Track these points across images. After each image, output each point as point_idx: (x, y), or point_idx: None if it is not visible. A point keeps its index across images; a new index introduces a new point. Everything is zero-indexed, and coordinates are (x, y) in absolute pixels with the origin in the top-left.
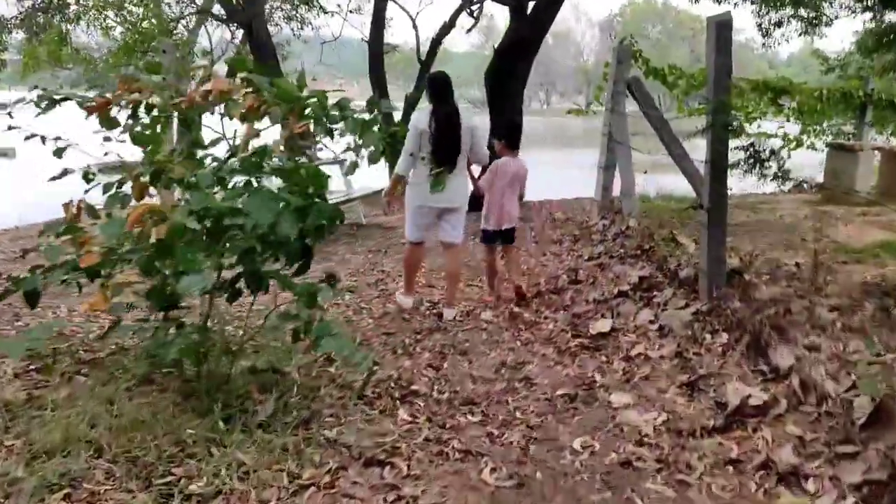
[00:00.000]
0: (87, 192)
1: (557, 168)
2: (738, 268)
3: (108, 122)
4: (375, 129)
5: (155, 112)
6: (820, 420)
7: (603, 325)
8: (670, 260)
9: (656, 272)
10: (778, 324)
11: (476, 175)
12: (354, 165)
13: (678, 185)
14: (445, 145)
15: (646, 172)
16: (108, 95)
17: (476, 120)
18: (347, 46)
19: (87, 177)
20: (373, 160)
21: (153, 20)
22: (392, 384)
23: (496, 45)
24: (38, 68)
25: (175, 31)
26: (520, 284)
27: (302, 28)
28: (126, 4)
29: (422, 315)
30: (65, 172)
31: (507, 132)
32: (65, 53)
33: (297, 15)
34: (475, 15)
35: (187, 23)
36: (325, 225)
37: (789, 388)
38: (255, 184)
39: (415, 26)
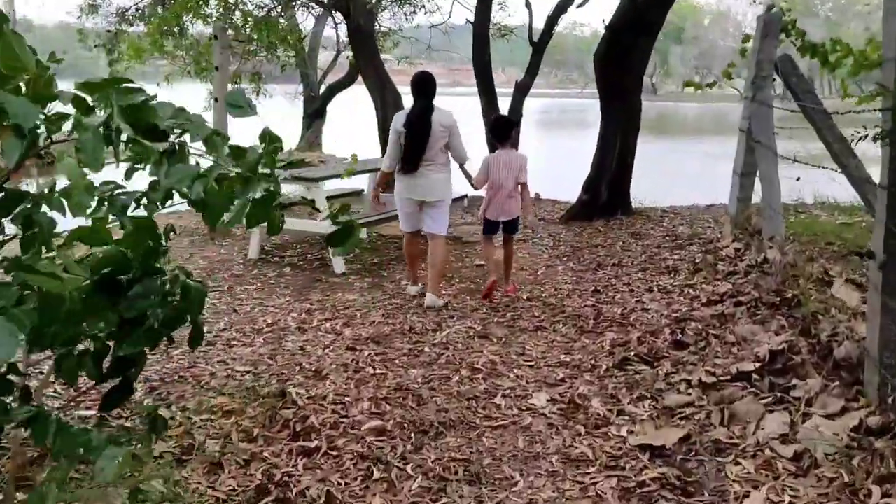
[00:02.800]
0: None
1: (708, 160)
2: None
3: None
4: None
5: None
6: None
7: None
8: (821, 323)
9: (799, 341)
10: None
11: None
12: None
13: (842, 187)
14: (415, 140)
15: (798, 179)
16: None
17: (453, 119)
18: (466, 31)
19: None
20: (210, 216)
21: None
22: None
23: (607, 21)
24: (139, 58)
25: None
26: (510, 282)
27: (414, 12)
28: None
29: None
30: None
31: (493, 127)
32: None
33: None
34: None
35: (281, 11)
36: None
37: None
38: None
39: (528, 4)
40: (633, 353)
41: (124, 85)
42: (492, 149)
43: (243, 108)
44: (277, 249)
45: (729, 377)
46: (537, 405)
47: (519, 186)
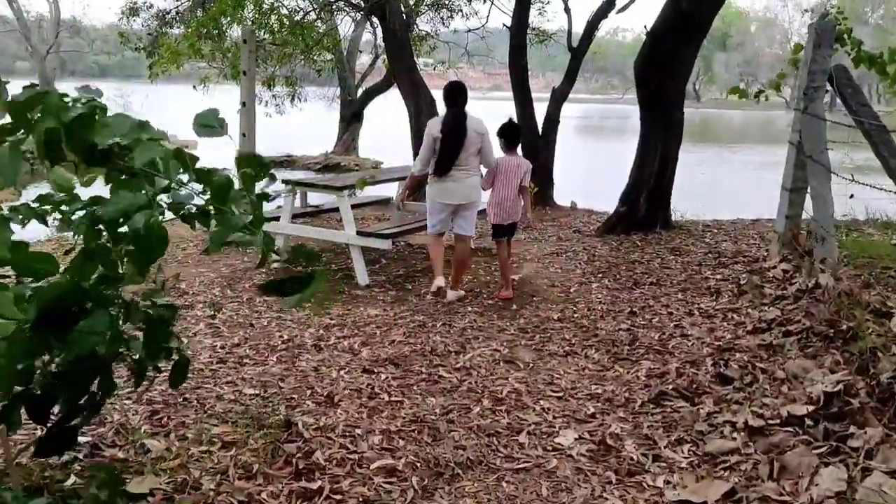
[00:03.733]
0: None
1: (753, 170)
2: None
3: None
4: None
5: None
6: None
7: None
8: (881, 361)
9: (857, 381)
10: None
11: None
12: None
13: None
14: (451, 146)
15: (852, 197)
16: None
17: (486, 127)
18: (505, 35)
19: None
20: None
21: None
22: None
23: (649, 27)
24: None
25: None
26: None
27: (451, 17)
28: None
29: None
30: None
31: (507, 132)
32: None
33: (446, 1)
34: None
35: (319, 13)
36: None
37: None
38: None
39: (567, 9)
40: (671, 387)
41: (65, 99)
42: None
43: (214, 128)
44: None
45: (779, 421)
46: (564, 445)
47: (520, 190)
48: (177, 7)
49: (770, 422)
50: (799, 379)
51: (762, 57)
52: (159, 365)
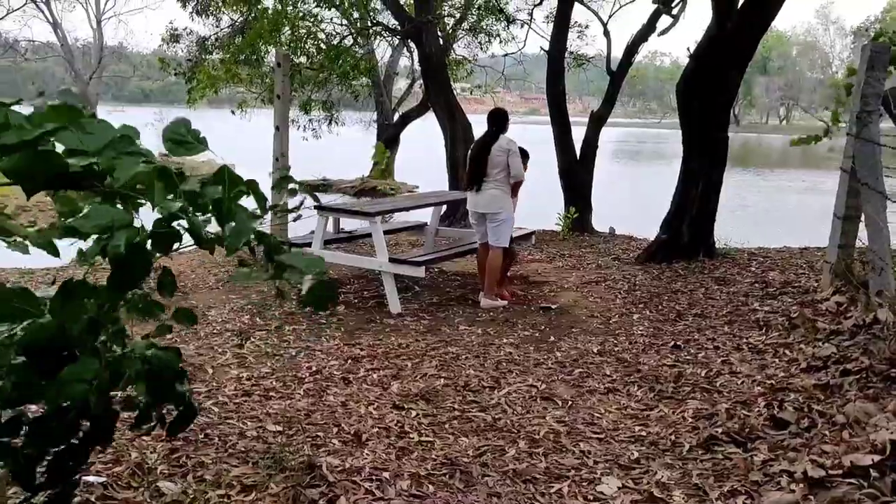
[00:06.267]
0: None
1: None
2: None
3: None
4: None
5: None
6: None
7: None
8: None
9: None
10: None
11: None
12: None
13: None
14: (474, 163)
15: None
16: None
17: (514, 146)
18: (543, 59)
19: None
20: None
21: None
22: None
23: (692, 49)
24: (214, 87)
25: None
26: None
27: (490, 42)
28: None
29: None
30: None
31: (525, 152)
32: (243, 72)
33: (483, 26)
34: (675, 14)
35: (356, 38)
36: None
37: None
38: None
39: (606, 32)
40: (721, 430)
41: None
42: None
43: (189, 143)
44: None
45: (841, 472)
46: (607, 494)
47: None
48: (216, 33)
49: (831, 472)
50: (861, 424)
51: (803, 81)
52: (163, 413)
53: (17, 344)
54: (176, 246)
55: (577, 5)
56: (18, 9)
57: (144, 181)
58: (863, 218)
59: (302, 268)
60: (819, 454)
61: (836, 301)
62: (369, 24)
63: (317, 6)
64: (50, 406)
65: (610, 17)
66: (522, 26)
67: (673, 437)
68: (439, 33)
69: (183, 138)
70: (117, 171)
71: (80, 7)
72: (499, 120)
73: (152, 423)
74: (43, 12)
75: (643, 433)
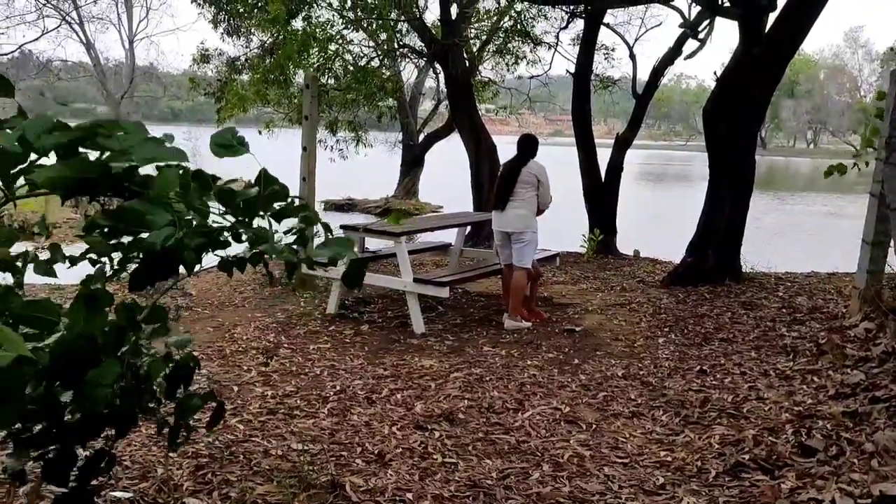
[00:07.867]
0: None
1: (822, 219)
2: None
3: None
4: None
5: None
6: None
7: None
8: None
9: None
10: None
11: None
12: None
13: None
14: (502, 184)
15: None
16: None
17: (544, 174)
18: (568, 81)
19: None
20: None
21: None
22: None
23: (718, 73)
24: (241, 107)
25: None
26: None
27: (516, 63)
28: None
29: None
30: None
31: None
32: (271, 92)
33: (510, 48)
34: (701, 37)
35: (383, 59)
36: None
37: None
38: None
39: (632, 55)
40: (748, 457)
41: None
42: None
43: (233, 147)
44: (358, 304)
45: (870, 501)
46: None
47: None
48: (245, 54)
49: (860, 501)
50: (890, 453)
51: (831, 104)
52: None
53: (47, 353)
54: (197, 268)
55: (603, 28)
56: (53, 30)
57: (179, 183)
58: (892, 244)
59: (332, 255)
60: (847, 482)
61: (865, 327)
62: (396, 45)
63: (345, 28)
64: (79, 409)
65: (636, 40)
66: (549, 49)
67: (699, 463)
68: (465, 55)
69: (228, 142)
70: (157, 177)
71: (113, 28)
72: (529, 144)
73: (184, 436)
74: (77, 33)
75: (668, 459)
